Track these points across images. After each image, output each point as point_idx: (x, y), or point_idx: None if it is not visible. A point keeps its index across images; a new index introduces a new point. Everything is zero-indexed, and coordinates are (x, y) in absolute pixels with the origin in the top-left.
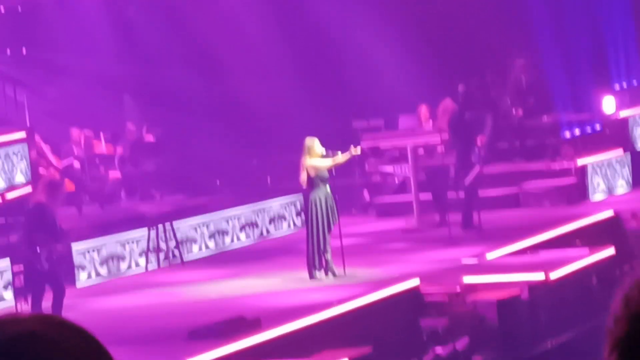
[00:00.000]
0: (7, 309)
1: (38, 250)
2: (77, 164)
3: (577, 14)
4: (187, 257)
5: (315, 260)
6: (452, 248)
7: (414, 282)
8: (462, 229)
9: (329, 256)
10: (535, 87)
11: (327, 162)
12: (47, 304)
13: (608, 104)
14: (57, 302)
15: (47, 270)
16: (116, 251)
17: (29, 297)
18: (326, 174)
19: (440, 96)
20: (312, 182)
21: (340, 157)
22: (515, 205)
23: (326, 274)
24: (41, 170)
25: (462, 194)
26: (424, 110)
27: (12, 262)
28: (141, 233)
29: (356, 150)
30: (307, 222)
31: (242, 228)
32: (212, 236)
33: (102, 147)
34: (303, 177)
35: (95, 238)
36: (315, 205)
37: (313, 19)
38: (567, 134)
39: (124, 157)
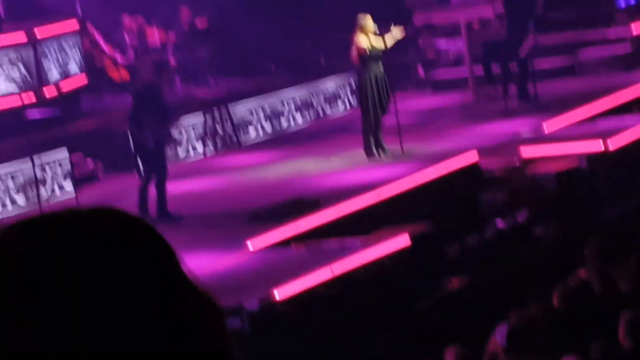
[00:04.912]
0: (67, 199)
1: (145, 130)
2: (130, 53)
3: None
4: (244, 140)
5: (370, 140)
6: (509, 121)
7: (472, 157)
8: (519, 101)
9: (379, 134)
10: None
11: (367, 44)
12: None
13: None
14: (160, 182)
15: (153, 149)
16: (173, 136)
17: (140, 173)
18: (377, 52)
19: None
20: (363, 60)
21: (385, 41)
22: (572, 75)
23: (377, 152)
24: (97, 62)
25: (519, 66)
26: None
27: (70, 152)
28: (197, 118)
29: (398, 32)
30: (359, 102)
31: (298, 109)
32: (268, 118)
33: (154, 34)
34: (354, 54)
35: None
36: (366, 84)
37: None
38: (622, 2)
39: (177, 43)
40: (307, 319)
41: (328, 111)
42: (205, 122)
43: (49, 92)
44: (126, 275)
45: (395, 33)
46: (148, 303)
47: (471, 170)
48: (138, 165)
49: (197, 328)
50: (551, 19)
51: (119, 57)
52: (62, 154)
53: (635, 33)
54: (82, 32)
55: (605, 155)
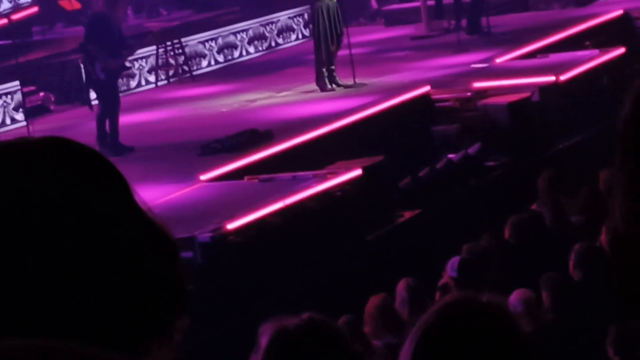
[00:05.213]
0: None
1: (96, 61)
2: None
3: None
4: (197, 72)
5: (322, 72)
6: (462, 53)
7: (424, 89)
8: (471, 33)
9: (332, 67)
10: None
11: None
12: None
13: None
14: (113, 113)
15: (104, 81)
16: (126, 68)
17: (90, 105)
18: None
19: None
20: None
21: None
22: (524, 9)
23: (330, 85)
24: None
25: None
26: None
27: (21, 83)
28: (149, 50)
29: None
30: (313, 34)
31: (251, 41)
32: (220, 51)
33: None
34: None
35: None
36: (319, 17)
37: None
38: None
39: None
40: (259, 249)
41: (281, 43)
42: (157, 53)
43: (0, 21)
44: (79, 204)
45: None
46: (101, 233)
47: (423, 102)
48: (88, 97)
49: (151, 258)
50: None
51: None
52: (13, 85)
53: None
54: None
55: (556, 87)
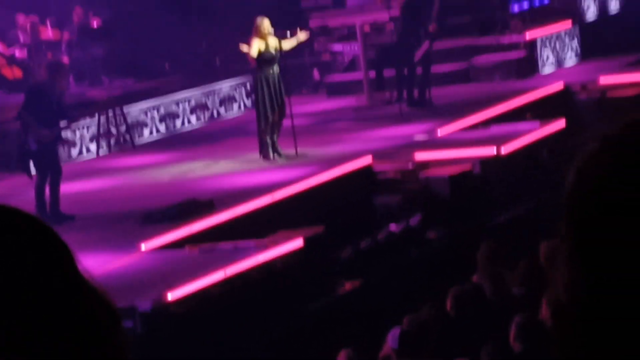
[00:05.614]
0: None
1: (30, 130)
2: (23, 51)
3: None
4: (138, 141)
5: (265, 142)
6: (404, 125)
7: (366, 160)
8: (413, 105)
9: (275, 137)
10: None
11: (255, 48)
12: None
13: None
14: (53, 182)
15: (35, 152)
16: (66, 137)
17: (28, 173)
18: (271, 55)
19: None
20: (258, 63)
21: (280, 43)
22: (466, 81)
23: (272, 155)
24: None
25: (411, 70)
26: None
27: None
28: (91, 118)
29: (303, 35)
30: (255, 104)
31: (193, 111)
32: (162, 120)
33: (48, 32)
34: (251, 56)
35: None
36: (258, 87)
37: None
38: (516, 8)
39: (71, 42)
40: (200, 320)
41: (223, 113)
42: (99, 122)
43: None
44: (21, 273)
45: (300, 36)
46: (44, 301)
47: (365, 174)
48: (27, 165)
49: (94, 326)
50: (446, 24)
51: (16, 53)
52: None
53: (528, 39)
54: None
55: (497, 160)
